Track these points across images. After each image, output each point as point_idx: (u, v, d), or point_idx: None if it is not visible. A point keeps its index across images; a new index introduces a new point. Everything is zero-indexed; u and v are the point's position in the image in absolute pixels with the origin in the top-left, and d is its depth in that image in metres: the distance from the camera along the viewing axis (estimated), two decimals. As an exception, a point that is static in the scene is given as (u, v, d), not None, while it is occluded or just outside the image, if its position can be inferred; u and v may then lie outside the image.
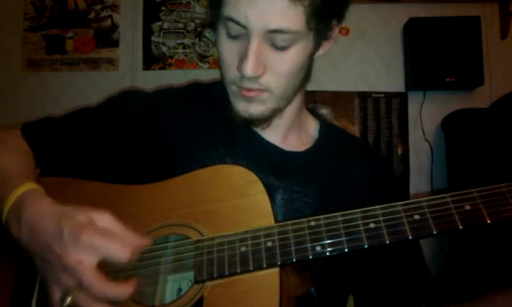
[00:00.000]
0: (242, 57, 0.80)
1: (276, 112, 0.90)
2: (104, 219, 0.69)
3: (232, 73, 0.84)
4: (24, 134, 0.95)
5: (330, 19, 0.84)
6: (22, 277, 0.83)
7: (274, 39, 0.79)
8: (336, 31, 0.89)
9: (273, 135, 0.95)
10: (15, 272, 0.83)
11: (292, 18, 0.77)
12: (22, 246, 0.72)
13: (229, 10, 0.78)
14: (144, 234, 0.79)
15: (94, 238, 0.65)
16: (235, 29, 0.80)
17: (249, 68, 0.79)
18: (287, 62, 0.82)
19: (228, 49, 0.83)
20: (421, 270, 0.95)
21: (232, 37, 0.82)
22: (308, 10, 0.78)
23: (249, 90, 0.84)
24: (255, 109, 0.87)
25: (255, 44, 0.78)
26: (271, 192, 0.80)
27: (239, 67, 0.81)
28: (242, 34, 0.80)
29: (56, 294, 0.68)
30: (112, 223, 0.69)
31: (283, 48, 0.80)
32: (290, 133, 0.98)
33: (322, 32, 0.84)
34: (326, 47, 0.90)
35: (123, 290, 0.66)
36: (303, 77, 0.89)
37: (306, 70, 0.89)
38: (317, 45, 0.87)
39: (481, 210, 0.68)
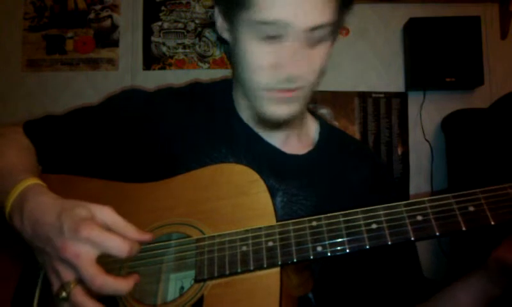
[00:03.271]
0: (283, 59, 0.79)
1: (303, 110, 0.89)
2: (105, 213, 0.69)
3: (265, 78, 0.83)
4: (26, 132, 0.95)
5: (349, 8, 0.86)
6: (25, 272, 0.83)
7: (311, 35, 0.79)
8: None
9: (275, 137, 0.95)
10: (18, 266, 0.83)
11: (327, 11, 0.79)
12: (24, 240, 0.72)
13: (266, 13, 0.77)
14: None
15: (93, 232, 0.65)
16: (270, 31, 0.79)
17: (294, 68, 0.79)
18: (319, 57, 0.83)
19: (260, 53, 0.81)
20: (415, 271, 0.95)
21: (266, 40, 0.80)
22: (339, 0, 0.80)
23: (287, 91, 0.83)
24: (290, 110, 0.86)
25: (295, 43, 0.78)
26: (270, 194, 0.79)
27: (280, 68, 0.80)
28: (278, 36, 0.79)
29: (56, 286, 0.68)
30: (113, 217, 0.69)
31: (316, 44, 0.81)
32: (292, 136, 0.97)
33: (341, 23, 0.85)
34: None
35: (123, 285, 0.66)
36: (321, 74, 0.89)
37: (325, 66, 0.89)
38: (335, 38, 0.87)
39: (485, 212, 0.67)
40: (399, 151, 2.51)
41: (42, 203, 0.71)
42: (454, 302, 0.80)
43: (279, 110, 0.86)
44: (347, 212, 0.73)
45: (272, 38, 0.80)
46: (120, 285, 0.66)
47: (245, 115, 0.97)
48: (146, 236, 0.71)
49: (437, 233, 0.68)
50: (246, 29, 0.81)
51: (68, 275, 0.66)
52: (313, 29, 0.78)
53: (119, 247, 0.66)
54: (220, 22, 0.90)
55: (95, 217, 0.68)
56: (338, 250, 0.70)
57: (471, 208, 0.68)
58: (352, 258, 0.73)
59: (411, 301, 0.89)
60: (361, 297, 0.94)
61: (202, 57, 2.59)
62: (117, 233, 0.68)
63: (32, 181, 0.76)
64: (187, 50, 2.60)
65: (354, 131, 2.51)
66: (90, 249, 0.65)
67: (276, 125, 0.90)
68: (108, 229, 0.68)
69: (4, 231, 0.77)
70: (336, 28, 0.85)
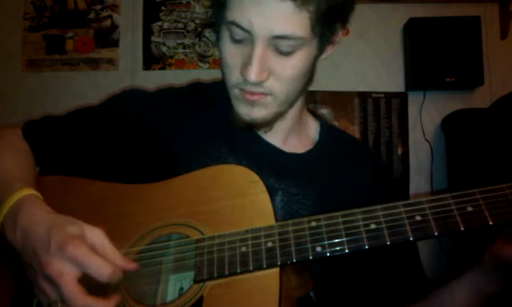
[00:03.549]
0: (246, 62, 0.80)
1: (278, 116, 0.90)
2: (95, 235, 0.69)
3: (234, 77, 0.84)
4: (25, 132, 0.95)
5: (335, 24, 0.84)
6: (23, 277, 0.83)
7: (279, 44, 0.79)
8: (340, 34, 0.89)
9: (274, 136, 0.95)
10: (18, 267, 0.83)
11: (297, 24, 0.77)
12: (16, 251, 0.72)
13: (233, 14, 0.78)
14: (135, 253, 0.79)
15: (79, 251, 0.65)
16: (239, 34, 0.79)
17: (252, 74, 0.79)
18: (290, 67, 0.82)
19: (231, 53, 0.83)
20: (416, 270, 0.95)
21: (236, 41, 0.81)
22: (314, 16, 0.78)
23: (252, 94, 0.84)
24: (258, 113, 0.87)
25: (259, 49, 0.78)
26: (270, 194, 0.79)
27: (243, 71, 0.81)
28: (246, 39, 0.80)
29: (44, 303, 0.68)
30: (102, 240, 0.69)
31: (287, 54, 0.80)
32: (291, 135, 0.98)
33: (326, 37, 0.84)
34: (329, 51, 0.90)
35: (102, 306, 0.66)
36: (306, 81, 0.89)
37: (310, 74, 0.89)
38: (321, 50, 0.87)
39: (483, 212, 0.67)
40: (399, 151, 2.51)
41: (36, 215, 0.71)
42: (452, 300, 0.80)
43: (247, 111, 0.87)
44: (346, 212, 0.73)
45: (239, 42, 0.81)
46: (100, 306, 0.66)
47: None
48: (130, 266, 0.71)
49: (436, 233, 0.68)
50: (223, 28, 0.83)
51: (52, 293, 0.66)
52: (277, 37, 0.78)
53: (101, 270, 0.66)
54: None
55: (85, 237, 0.68)
56: (337, 250, 0.70)
57: (469, 208, 0.68)
58: (354, 257, 0.73)
59: (413, 300, 0.89)
60: (362, 296, 0.94)
61: (202, 57, 2.59)
62: (103, 256, 0.68)
63: (29, 191, 0.75)
64: (187, 50, 2.60)
65: (354, 131, 2.51)
66: (73, 267, 0.65)
67: (248, 126, 0.89)
68: (95, 251, 0.67)
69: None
70: (319, 43, 0.84)
